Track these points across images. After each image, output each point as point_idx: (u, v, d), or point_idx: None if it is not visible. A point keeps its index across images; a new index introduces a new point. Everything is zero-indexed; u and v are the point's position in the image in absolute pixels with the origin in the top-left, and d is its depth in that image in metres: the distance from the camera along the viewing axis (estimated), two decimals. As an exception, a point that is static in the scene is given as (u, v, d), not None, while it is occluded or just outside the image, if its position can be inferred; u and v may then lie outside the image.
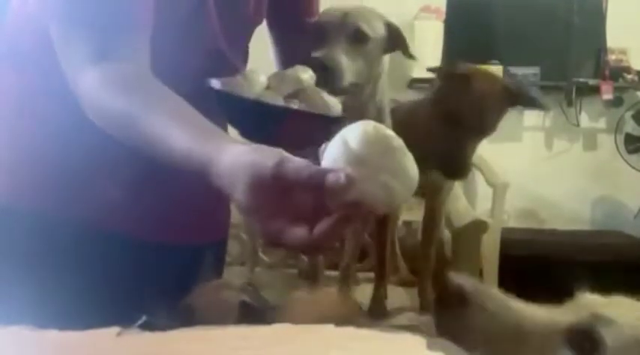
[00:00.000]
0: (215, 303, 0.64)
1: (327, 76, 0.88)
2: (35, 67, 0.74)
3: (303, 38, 0.98)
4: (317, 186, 0.53)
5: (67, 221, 0.73)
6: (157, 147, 0.62)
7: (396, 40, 1.00)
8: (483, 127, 0.99)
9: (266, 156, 0.55)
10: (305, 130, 0.75)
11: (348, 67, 0.92)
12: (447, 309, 0.54)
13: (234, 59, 0.85)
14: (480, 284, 0.56)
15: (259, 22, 0.93)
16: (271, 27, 0.99)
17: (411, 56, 1.02)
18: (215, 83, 0.76)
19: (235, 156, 0.57)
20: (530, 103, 1.04)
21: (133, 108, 0.64)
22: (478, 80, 0.98)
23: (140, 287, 0.74)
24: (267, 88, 0.77)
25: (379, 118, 0.99)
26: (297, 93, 0.77)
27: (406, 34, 1.04)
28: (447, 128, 0.97)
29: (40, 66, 0.74)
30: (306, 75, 0.79)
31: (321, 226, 0.53)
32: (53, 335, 0.45)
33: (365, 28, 0.95)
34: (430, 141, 0.98)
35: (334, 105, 0.79)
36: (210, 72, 0.80)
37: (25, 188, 0.74)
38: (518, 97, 1.03)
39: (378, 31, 0.98)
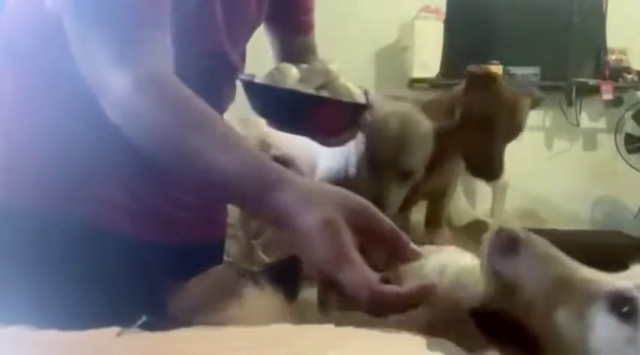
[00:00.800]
0: (213, 284, 0.64)
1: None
2: (33, 66, 0.74)
3: (300, 35, 1.00)
4: (398, 242, 0.54)
5: (64, 220, 0.73)
6: (197, 166, 0.59)
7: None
8: (516, 130, 1.02)
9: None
10: (334, 118, 0.82)
11: (397, 199, 0.98)
12: (499, 255, 0.55)
13: (234, 59, 0.85)
14: (532, 234, 0.58)
15: (260, 23, 0.94)
16: (270, 26, 1.00)
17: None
18: (249, 77, 0.83)
19: (319, 185, 0.57)
20: (539, 102, 1.09)
21: (171, 122, 0.60)
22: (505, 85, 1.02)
23: (137, 287, 0.74)
24: (300, 80, 0.82)
25: None
26: (326, 84, 0.82)
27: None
28: (481, 134, 0.99)
29: (37, 64, 0.73)
30: (334, 67, 0.84)
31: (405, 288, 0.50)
32: (53, 335, 0.45)
33: (414, 165, 0.98)
34: (464, 148, 1.04)
35: (360, 95, 0.84)
36: (211, 72, 0.80)
37: (22, 187, 0.73)
38: (536, 100, 1.09)
39: (426, 155, 1.00)
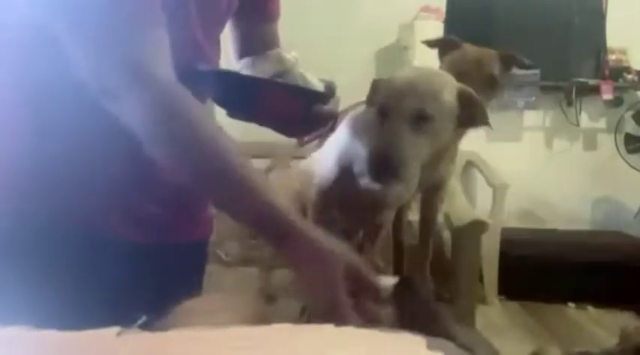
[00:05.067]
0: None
1: (390, 166, 0.85)
2: (15, 77, 0.73)
3: (264, 22, 0.99)
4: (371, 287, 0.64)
5: (50, 223, 0.72)
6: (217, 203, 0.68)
7: (470, 110, 0.91)
8: (491, 81, 1.10)
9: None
10: (285, 104, 0.78)
11: (411, 151, 0.86)
12: None
13: (208, 51, 0.84)
14: None
15: (232, 11, 0.92)
16: (237, 15, 0.97)
17: (486, 123, 0.92)
18: (202, 66, 0.80)
19: (323, 241, 0.64)
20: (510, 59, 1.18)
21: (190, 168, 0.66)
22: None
23: (123, 290, 0.73)
24: (253, 69, 0.81)
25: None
26: (281, 73, 0.80)
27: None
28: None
29: (19, 75, 0.72)
30: (289, 56, 0.81)
31: None
32: (53, 335, 0.45)
33: (427, 109, 0.86)
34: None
35: (317, 84, 0.81)
36: (187, 64, 0.79)
37: (7, 190, 0.73)
38: (505, 57, 1.16)
39: (445, 105, 0.88)
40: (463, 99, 0.90)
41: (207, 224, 0.93)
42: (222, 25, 0.91)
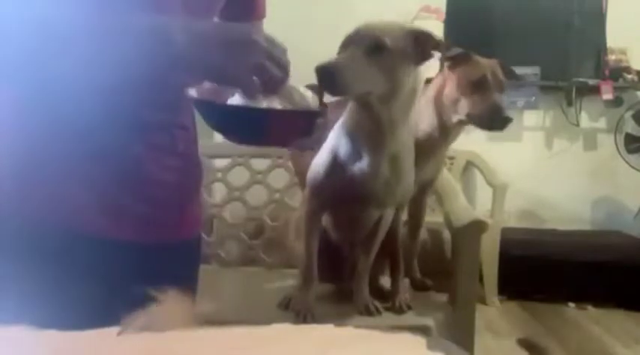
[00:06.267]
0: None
1: (329, 82, 0.93)
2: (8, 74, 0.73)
3: (250, 20, 0.99)
4: None
5: (39, 224, 0.72)
6: None
7: (425, 46, 1.02)
8: (501, 84, 1.23)
9: None
10: (288, 127, 0.79)
11: (357, 74, 0.95)
12: None
13: None
14: None
15: (219, 7, 0.91)
16: (222, 13, 0.96)
17: (446, 52, 1.05)
18: (194, 92, 0.80)
19: None
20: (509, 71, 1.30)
21: None
22: None
23: (116, 289, 0.73)
24: None
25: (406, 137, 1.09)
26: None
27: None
28: (478, 93, 1.21)
29: (12, 73, 0.72)
30: None
31: None
32: (53, 335, 0.45)
33: (383, 38, 0.98)
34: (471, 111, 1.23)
35: (311, 99, 0.83)
36: None
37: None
38: (505, 68, 1.28)
39: (400, 41, 1.00)
40: (416, 36, 1.02)
41: (194, 222, 0.93)
42: (210, 13, 0.90)
